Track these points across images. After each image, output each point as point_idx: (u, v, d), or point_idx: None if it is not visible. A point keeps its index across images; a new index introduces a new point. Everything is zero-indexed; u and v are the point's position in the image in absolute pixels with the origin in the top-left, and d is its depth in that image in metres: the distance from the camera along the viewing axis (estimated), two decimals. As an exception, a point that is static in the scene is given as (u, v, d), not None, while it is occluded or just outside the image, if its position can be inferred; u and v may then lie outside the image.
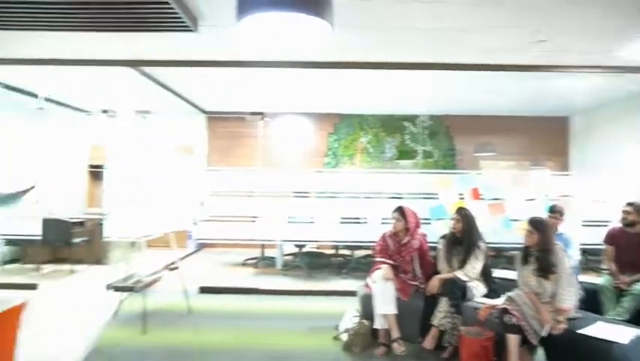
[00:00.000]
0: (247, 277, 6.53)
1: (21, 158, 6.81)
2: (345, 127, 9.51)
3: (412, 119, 9.38)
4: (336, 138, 9.50)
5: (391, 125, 9.44)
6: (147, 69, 6.02)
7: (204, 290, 5.66)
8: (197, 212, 6.33)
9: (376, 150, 9.48)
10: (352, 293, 5.29)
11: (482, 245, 3.81)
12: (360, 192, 6.87)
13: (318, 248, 7.76)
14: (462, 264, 3.76)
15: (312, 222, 6.73)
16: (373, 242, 6.33)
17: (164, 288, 5.82)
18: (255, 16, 2.03)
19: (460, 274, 3.68)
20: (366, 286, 4.00)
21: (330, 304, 5.12)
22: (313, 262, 7.19)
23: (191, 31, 4.29)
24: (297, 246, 7.09)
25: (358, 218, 6.73)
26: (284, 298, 5.48)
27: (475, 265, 3.73)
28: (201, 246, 9.00)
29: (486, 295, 3.68)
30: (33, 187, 4.19)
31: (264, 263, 7.33)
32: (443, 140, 9.44)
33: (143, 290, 5.04)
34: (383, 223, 6.26)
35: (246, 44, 4.94)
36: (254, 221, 6.83)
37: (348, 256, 7.33)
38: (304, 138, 9.37)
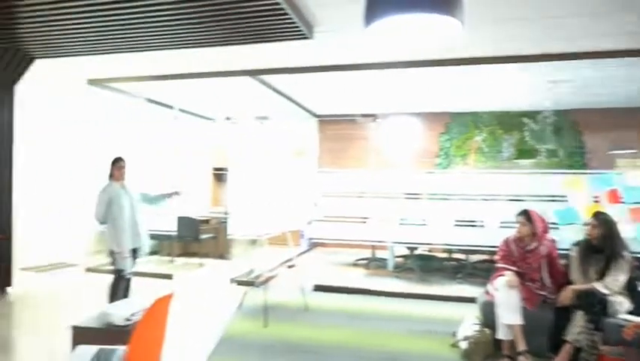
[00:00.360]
0: (358, 278, 6.60)
1: (161, 162, 7.71)
2: (457, 126, 9.13)
3: (532, 115, 8.67)
4: (447, 138, 9.17)
5: (509, 122, 8.83)
6: (264, 77, 6.40)
7: (318, 288, 5.85)
8: (310, 212, 6.56)
9: (492, 149, 8.94)
10: (468, 299, 5.09)
11: (627, 255, 3.39)
12: (475, 194, 6.53)
13: (430, 251, 7.56)
14: (601, 275, 3.38)
15: (424, 225, 6.58)
16: (490, 247, 6.06)
17: (280, 284, 6.16)
18: (384, 21, 2.04)
19: (599, 286, 3.31)
20: (487, 293, 3.79)
21: (444, 310, 4.96)
22: (425, 265, 7.02)
23: (306, 38, 4.46)
24: (408, 248, 6.99)
25: (474, 221, 6.42)
26: (396, 300, 5.43)
27: (618, 278, 3.33)
28: (313, 245, 9.31)
29: (631, 312, 3.27)
30: (177, 193, 4.68)
31: (375, 264, 7.35)
32: (569, 137, 8.57)
33: (263, 285, 5.38)
34: (502, 227, 5.90)
35: (362, 47, 5.01)
36: (365, 222, 6.88)
37: (463, 260, 7.03)
38: (415, 138, 9.19)
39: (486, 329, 3.63)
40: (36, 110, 6.67)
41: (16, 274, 5.61)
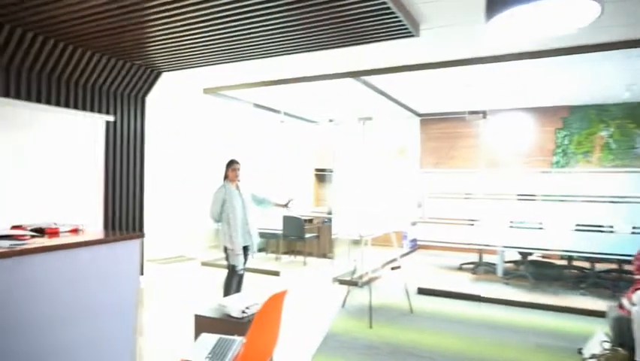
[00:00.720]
0: (464, 282, 6.31)
1: (268, 164, 8.13)
2: (577, 120, 8.28)
3: (672, 105, 7.57)
4: (566, 134, 8.36)
5: (642, 114, 7.81)
6: (366, 78, 6.41)
7: (422, 291, 5.70)
8: (414, 214, 6.43)
9: (622, 145, 7.96)
10: (594, 313, 4.60)
11: None
12: (601, 195, 5.86)
13: (545, 257, 6.96)
14: None
15: (539, 228, 6.07)
16: (621, 255, 5.40)
17: (384, 285, 6.13)
18: (507, 13, 1.91)
19: None
20: (621, 307, 3.38)
21: (565, 322, 4.53)
22: (540, 272, 6.48)
23: (412, 36, 4.37)
24: (520, 253, 6.51)
25: (601, 225, 5.76)
26: (507, 308, 5.09)
27: None
28: (416, 247, 9.11)
29: None
30: (291, 200, 4.88)
31: (483, 269, 6.96)
32: None
33: (366, 285, 5.38)
34: (634, 233, 5.23)
35: (471, 42, 4.79)
36: (472, 224, 6.56)
37: (587, 268, 6.35)
38: (528, 135, 8.54)
39: (620, 348, 3.24)
40: (159, 119, 7.42)
41: (145, 266, 6.29)
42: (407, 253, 8.70)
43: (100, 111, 5.54)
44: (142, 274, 6.12)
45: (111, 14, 4.00)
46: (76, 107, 5.26)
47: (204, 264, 7.35)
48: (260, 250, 8.79)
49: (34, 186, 4.80)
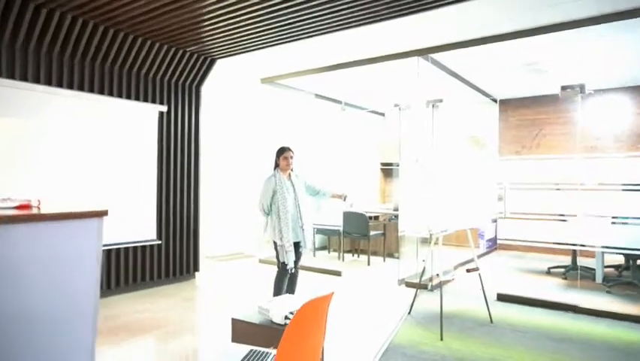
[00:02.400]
0: (554, 289, 5.42)
1: (330, 158, 7.68)
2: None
3: None
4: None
5: None
6: (435, 56, 5.71)
7: (503, 298, 4.93)
8: (492, 209, 5.62)
9: None
10: None
11: None
12: None
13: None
14: None
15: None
16: None
17: (457, 289, 5.42)
18: None
19: None
20: None
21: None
22: (652, 279, 5.41)
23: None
24: (625, 256, 5.47)
25: None
26: (609, 322, 4.20)
27: None
28: (494, 247, 8.20)
29: None
30: (346, 196, 4.39)
31: (577, 274, 5.97)
32: None
33: (437, 289, 4.73)
34: None
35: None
36: (564, 220, 5.60)
37: None
38: (633, 117, 7.30)
39: None
40: (217, 111, 7.22)
41: (202, 262, 6.09)
42: (484, 254, 7.83)
43: (153, 101, 5.39)
44: (197, 270, 5.92)
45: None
46: (128, 97, 5.13)
47: (262, 261, 7.05)
48: (321, 249, 8.36)
49: (88, 175, 4.71)
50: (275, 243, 4.04)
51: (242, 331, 2.68)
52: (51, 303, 1.76)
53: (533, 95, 8.02)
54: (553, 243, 5.72)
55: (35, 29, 4.16)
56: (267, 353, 2.07)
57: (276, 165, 4.16)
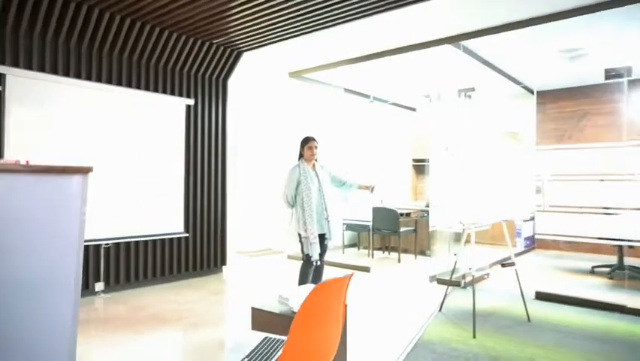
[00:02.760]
0: (598, 289, 5.06)
1: (361, 153, 7.53)
2: None
3: None
4: None
5: None
6: (467, 44, 5.46)
7: (542, 296, 4.64)
8: (530, 201, 5.31)
9: None
10: None
11: None
12: None
13: None
14: None
15: None
16: None
17: (491, 286, 5.17)
18: None
19: None
20: None
21: None
22: None
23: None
24: (678, 254, 5.06)
25: None
26: (666, 324, 3.86)
27: None
28: (532, 246, 7.82)
29: None
30: (374, 186, 4.21)
31: (624, 273, 5.57)
32: None
33: (470, 286, 4.50)
34: None
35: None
36: (609, 214, 5.22)
37: None
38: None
39: None
40: (245, 105, 7.19)
41: (231, 257, 6.05)
42: (521, 253, 7.46)
43: (180, 94, 5.40)
44: (224, 264, 5.90)
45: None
46: (156, 90, 5.16)
47: (290, 257, 6.97)
48: (351, 246, 8.20)
49: (117, 167, 4.76)
50: (299, 235, 3.93)
51: (261, 320, 2.58)
52: (23, 268, 1.54)
53: (573, 86, 7.60)
54: (597, 238, 5.34)
55: (64, 23, 4.23)
56: (281, 340, 1.96)
57: (301, 156, 4.06)
